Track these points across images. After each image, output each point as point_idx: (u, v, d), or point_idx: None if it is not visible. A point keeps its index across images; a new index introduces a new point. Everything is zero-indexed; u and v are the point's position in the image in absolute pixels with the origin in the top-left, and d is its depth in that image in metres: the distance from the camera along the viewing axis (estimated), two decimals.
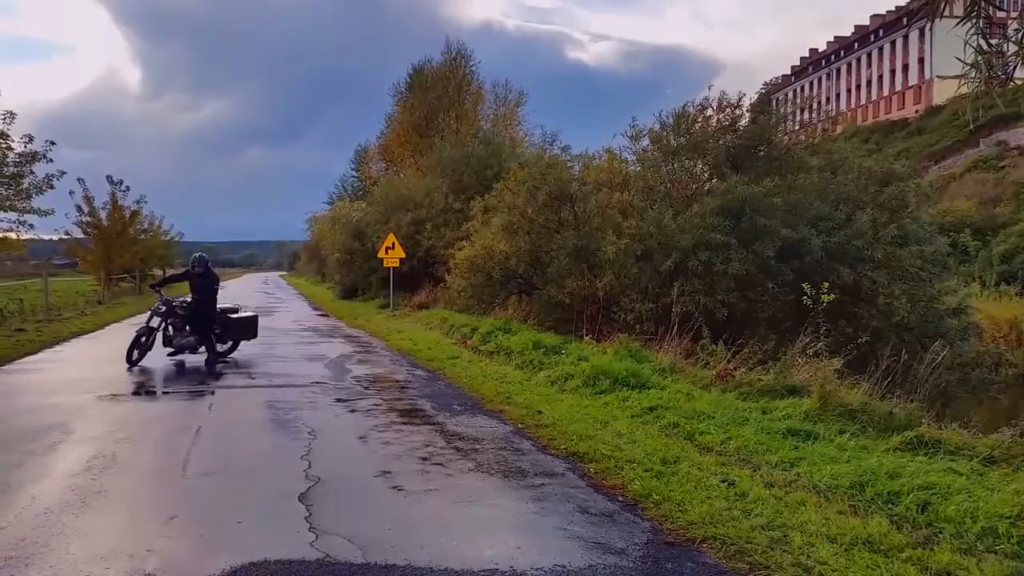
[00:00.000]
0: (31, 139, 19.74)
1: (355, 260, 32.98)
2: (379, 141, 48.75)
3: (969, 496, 5.18)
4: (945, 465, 5.94)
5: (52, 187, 20.26)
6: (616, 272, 14.15)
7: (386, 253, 25.04)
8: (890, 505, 5.30)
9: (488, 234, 18.11)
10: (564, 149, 21.78)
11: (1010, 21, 5.24)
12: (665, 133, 15.57)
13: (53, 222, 24.32)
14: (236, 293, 40.71)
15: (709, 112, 15.57)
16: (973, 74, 4.56)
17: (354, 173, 56.18)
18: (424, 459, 6.76)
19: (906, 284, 13.24)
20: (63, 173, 20.80)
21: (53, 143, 20.06)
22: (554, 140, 29.80)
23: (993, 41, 4.64)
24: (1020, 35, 4.44)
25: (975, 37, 4.49)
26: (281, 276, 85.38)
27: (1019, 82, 4.71)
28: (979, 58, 4.50)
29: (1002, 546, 4.56)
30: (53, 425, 8.02)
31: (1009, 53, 4.55)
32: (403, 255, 25.16)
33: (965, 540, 4.68)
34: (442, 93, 41.26)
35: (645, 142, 16.05)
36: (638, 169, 16.55)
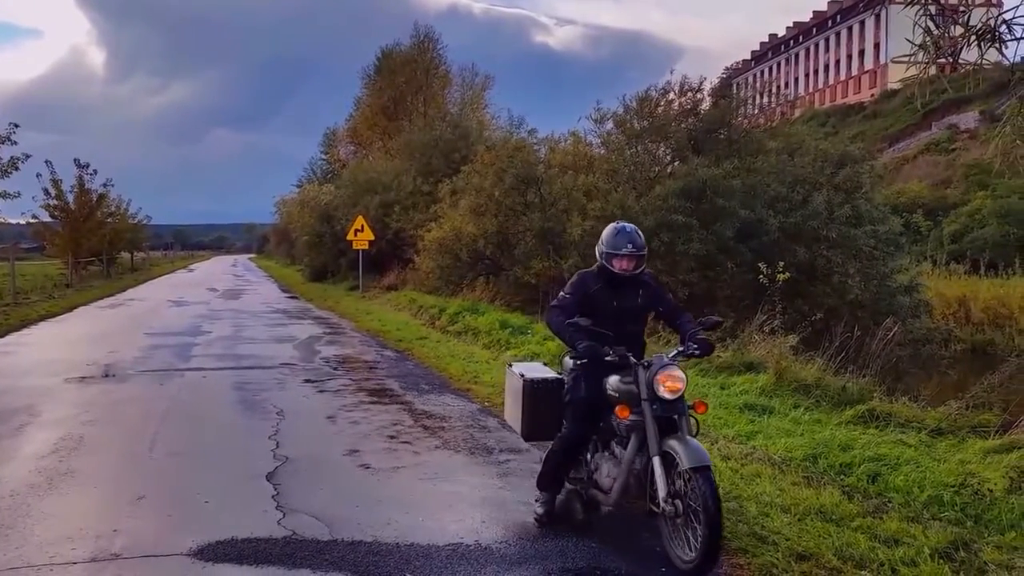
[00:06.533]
0: None
1: (324, 242, 32.68)
2: (348, 124, 48.29)
3: (917, 466, 5.39)
4: (895, 437, 6.14)
5: (17, 169, 20.05)
6: (581, 253, 14.27)
7: (355, 235, 24.89)
8: (842, 476, 5.49)
9: (456, 216, 18.15)
10: (530, 132, 21.83)
11: (961, 5, 5.39)
12: (628, 117, 15.71)
13: (20, 205, 23.90)
14: (206, 275, 40.30)
15: (671, 96, 15.79)
16: (921, 56, 4.67)
17: (323, 156, 55.45)
18: (392, 437, 6.84)
19: (860, 263, 13.57)
20: (28, 156, 20.63)
21: (17, 125, 19.86)
22: (521, 123, 29.63)
23: (941, 23, 4.76)
24: (966, 17, 4.56)
25: (924, 19, 4.60)
26: (250, 259, 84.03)
27: (968, 65, 4.84)
28: (926, 39, 4.61)
29: (946, 513, 4.76)
30: (20, 408, 7.93)
31: (956, 35, 4.66)
32: (372, 237, 25.02)
33: (912, 508, 4.87)
34: (410, 76, 41.07)
35: (609, 125, 16.21)
36: (602, 152, 16.69)
